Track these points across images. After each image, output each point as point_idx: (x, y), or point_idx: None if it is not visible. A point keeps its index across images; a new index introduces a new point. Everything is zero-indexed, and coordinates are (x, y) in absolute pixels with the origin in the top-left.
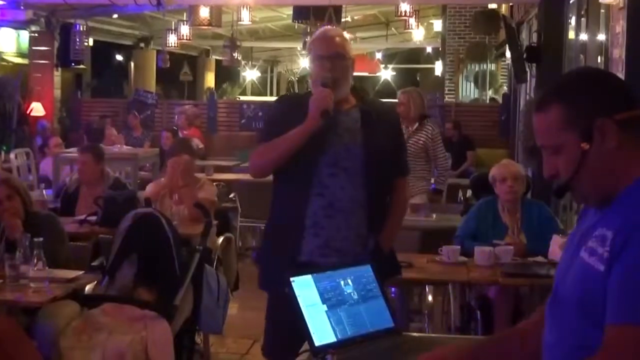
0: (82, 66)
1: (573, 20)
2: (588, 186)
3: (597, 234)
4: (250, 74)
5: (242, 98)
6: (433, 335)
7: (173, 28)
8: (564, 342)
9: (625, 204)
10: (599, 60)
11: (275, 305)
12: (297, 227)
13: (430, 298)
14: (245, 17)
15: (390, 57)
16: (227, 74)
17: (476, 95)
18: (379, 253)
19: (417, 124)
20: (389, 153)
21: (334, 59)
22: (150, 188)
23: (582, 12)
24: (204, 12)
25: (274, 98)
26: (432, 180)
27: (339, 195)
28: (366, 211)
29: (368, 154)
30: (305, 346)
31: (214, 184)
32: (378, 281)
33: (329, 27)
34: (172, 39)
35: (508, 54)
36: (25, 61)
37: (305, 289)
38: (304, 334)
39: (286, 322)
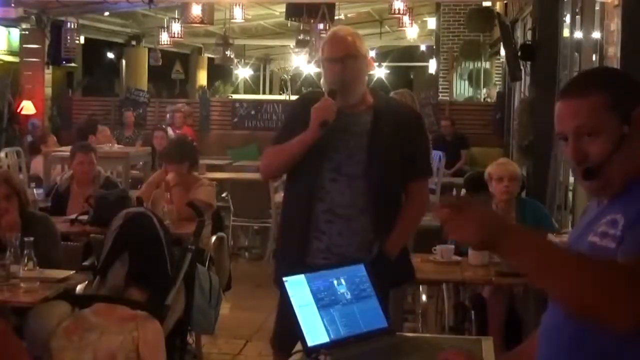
0: (73, 64)
1: (568, 18)
2: (619, 170)
3: (607, 220)
4: (243, 72)
5: (235, 96)
6: (427, 335)
7: (165, 26)
8: (569, 324)
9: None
10: (593, 59)
11: (283, 300)
12: (301, 229)
13: (424, 298)
14: (238, 15)
15: (383, 55)
16: (219, 72)
17: (470, 94)
18: (384, 259)
19: None
20: (400, 155)
21: (345, 60)
22: (143, 189)
23: (577, 10)
24: (196, 10)
25: (266, 96)
26: None
27: (338, 200)
28: (371, 217)
29: (372, 159)
30: (299, 346)
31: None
32: (371, 281)
33: (340, 26)
34: (164, 37)
35: (502, 52)
36: (15, 59)
37: (298, 288)
38: (297, 334)
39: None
